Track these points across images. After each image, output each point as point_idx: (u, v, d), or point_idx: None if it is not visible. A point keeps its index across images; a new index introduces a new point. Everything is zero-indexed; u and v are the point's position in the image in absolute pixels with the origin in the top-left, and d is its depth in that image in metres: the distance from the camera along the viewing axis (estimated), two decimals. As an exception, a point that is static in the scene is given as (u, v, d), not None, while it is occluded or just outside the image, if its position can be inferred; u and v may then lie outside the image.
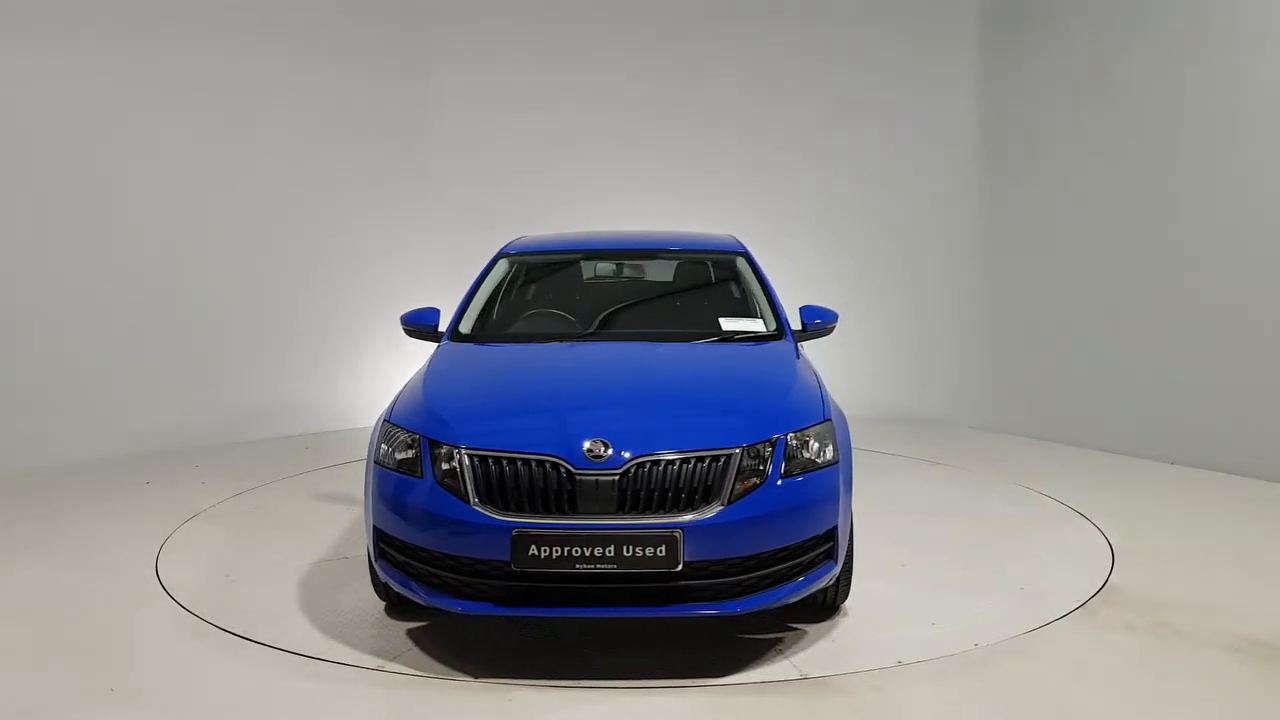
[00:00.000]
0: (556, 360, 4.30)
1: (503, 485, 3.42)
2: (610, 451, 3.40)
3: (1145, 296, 6.87)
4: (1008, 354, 8.00)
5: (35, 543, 5.13)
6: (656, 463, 3.40)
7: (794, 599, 3.57)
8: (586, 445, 3.41)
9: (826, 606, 3.98)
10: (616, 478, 3.37)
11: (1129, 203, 6.95)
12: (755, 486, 3.46)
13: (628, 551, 3.31)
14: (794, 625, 3.91)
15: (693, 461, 3.41)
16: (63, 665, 3.67)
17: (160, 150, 7.25)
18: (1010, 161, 7.94)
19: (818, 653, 3.69)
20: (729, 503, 3.40)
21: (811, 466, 3.61)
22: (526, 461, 3.42)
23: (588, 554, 3.31)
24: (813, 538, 3.56)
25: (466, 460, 3.47)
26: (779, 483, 3.49)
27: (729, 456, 3.44)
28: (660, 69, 8.42)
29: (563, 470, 3.39)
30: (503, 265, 5.23)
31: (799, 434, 3.62)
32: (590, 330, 4.73)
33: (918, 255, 8.29)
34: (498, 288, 5.11)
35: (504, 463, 3.44)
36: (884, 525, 5.36)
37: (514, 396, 3.98)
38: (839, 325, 4.85)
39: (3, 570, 4.70)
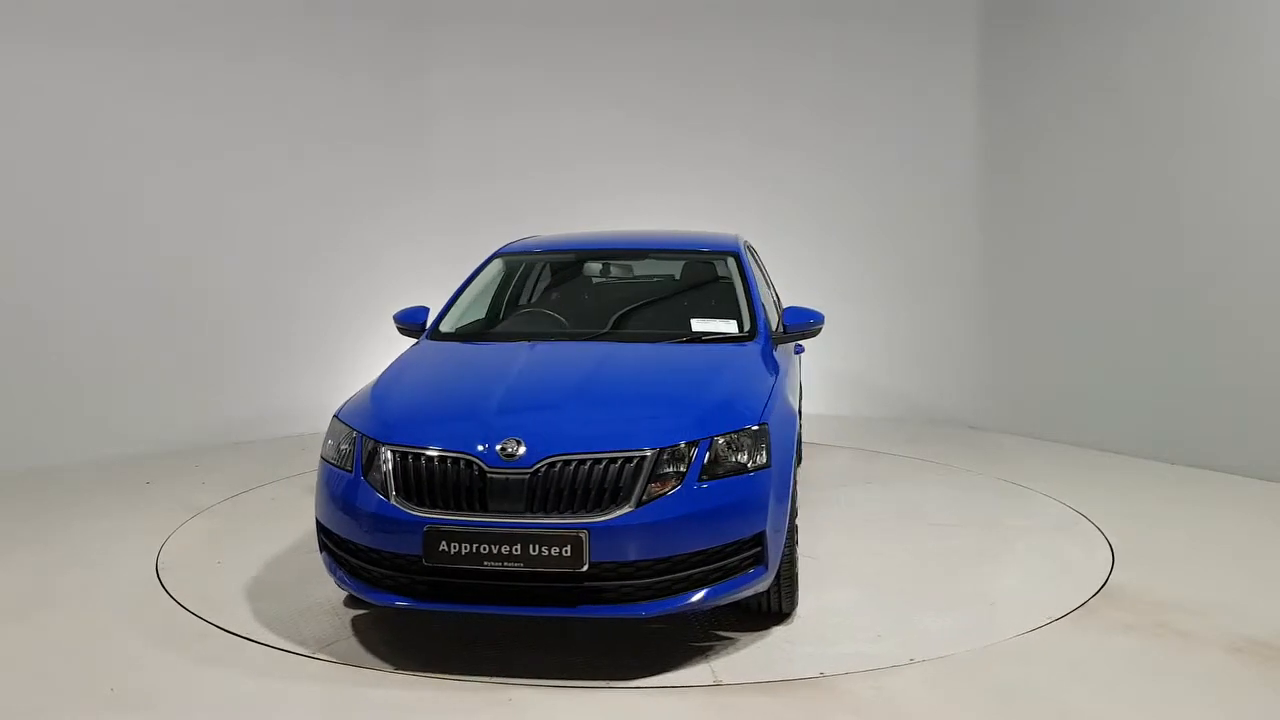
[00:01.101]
0: (511, 360, 4.28)
1: (419, 482, 3.49)
2: (522, 451, 3.44)
3: (1145, 296, 6.86)
4: (1008, 354, 8.00)
5: (35, 542, 5.13)
6: (567, 463, 3.42)
7: (715, 604, 3.55)
8: (500, 444, 3.46)
9: (771, 613, 3.92)
10: (526, 477, 3.41)
11: (1129, 202, 6.95)
12: (671, 489, 3.43)
13: (534, 550, 3.33)
14: (724, 632, 3.85)
15: (604, 463, 3.42)
16: (63, 665, 3.67)
17: (159, 151, 7.25)
18: (1010, 161, 7.94)
19: (741, 659, 3.63)
20: (639, 505, 3.39)
21: (738, 470, 3.56)
22: (443, 459, 3.49)
23: (496, 552, 3.35)
24: (735, 542, 3.51)
25: (389, 456, 3.56)
26: (697, 485, 3.46)
27: (642, 458, 3.43)
28: (660, 69, 8.42)
29: (475, 468, 3.45)
30: (497, 265, 5.34)
31: (726, 437, 3.58)
32: (564, 330, 4.79)
33: (918, 255, 8.29)
34: (486, 288, 5.23)
35: (422, 460, 3.51)
36: (881, 525, 5.37)
37: (451, 395, 4.03)
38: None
39: (2, 570, 4.70)
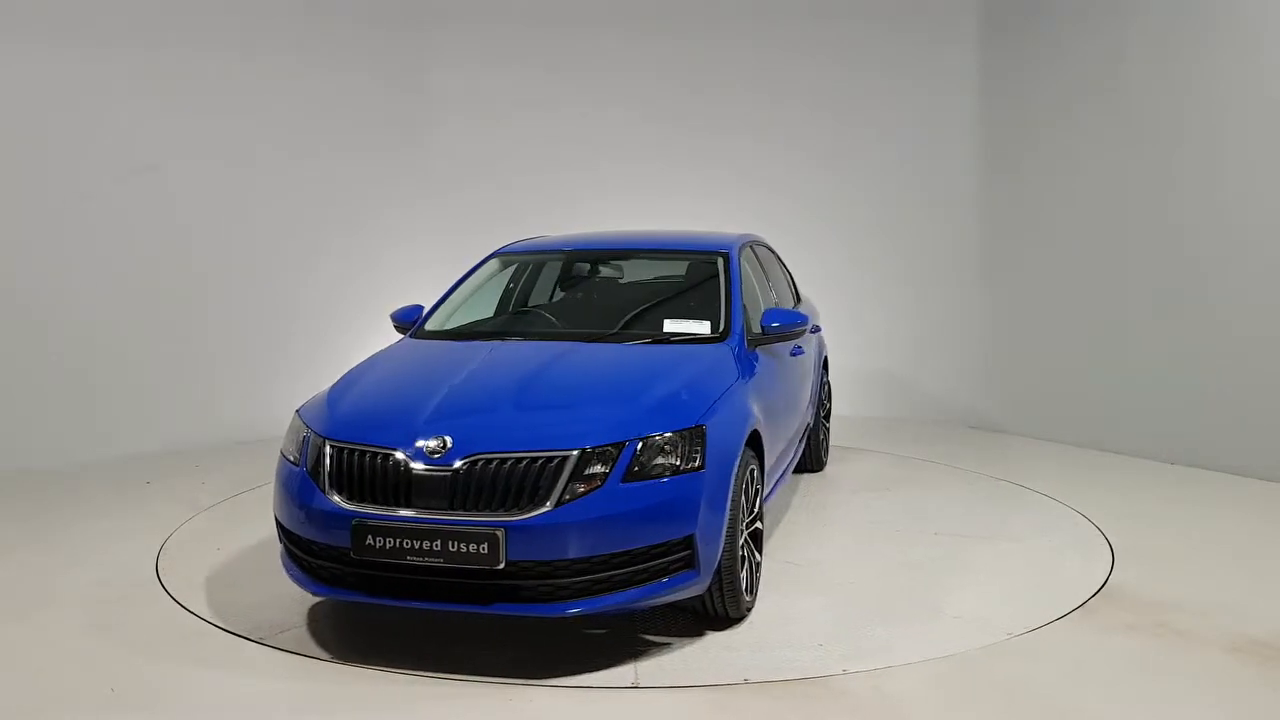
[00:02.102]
0: (467, 360, 4.31)
1: (351, 477, 3.59)
2: (447, 448, 3.50)
3: (1145, 296, 6.86)
4: (1008, 354, 8.00)
5: (35, 542, 5.13)
6: (489, 462, 3.46)
7: (643, 606, 3.57)
8: (427, 443, 3.52)
9: (717, 618, 3.89)
10: (448, 475, 3.46)
11: (1129, 202, 6.95)
12: (591, 489, 3.43)
13: (453, 547, 3.39)
14: (657, 636, 3.84)
15: (524, 462, 3.45)
16: (63, 665, 3.67)
17: (160, 152, 7.24)
18: (1010, 161, 7.94)
19: (665, 661, 3.62)
20: (558, 505, 3.40)
21: (667, 472, 3.54)
22: (374, 455, 3.58)
23: (418, 547, 3.42)
24: (662, 544, 3.50)
25: (328, 451, 3.68)
26: (619, 486, 3.46)
27: (563, 458, 3.45)
28: (660, 70, 8.41)
29: (402, 465, 3.51)
30: (491, 265, 5.42)
31: (655, 438, 3.57)
32: (539, 330, 4.86)
33: (918, 254, 8.29)
34: (479, 288, 5.29)
35: (355, 455, 3.62)
36: (875, 528, 5.36)
37: (397, 394, 4.06)
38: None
39: (2, 570, 4.70)
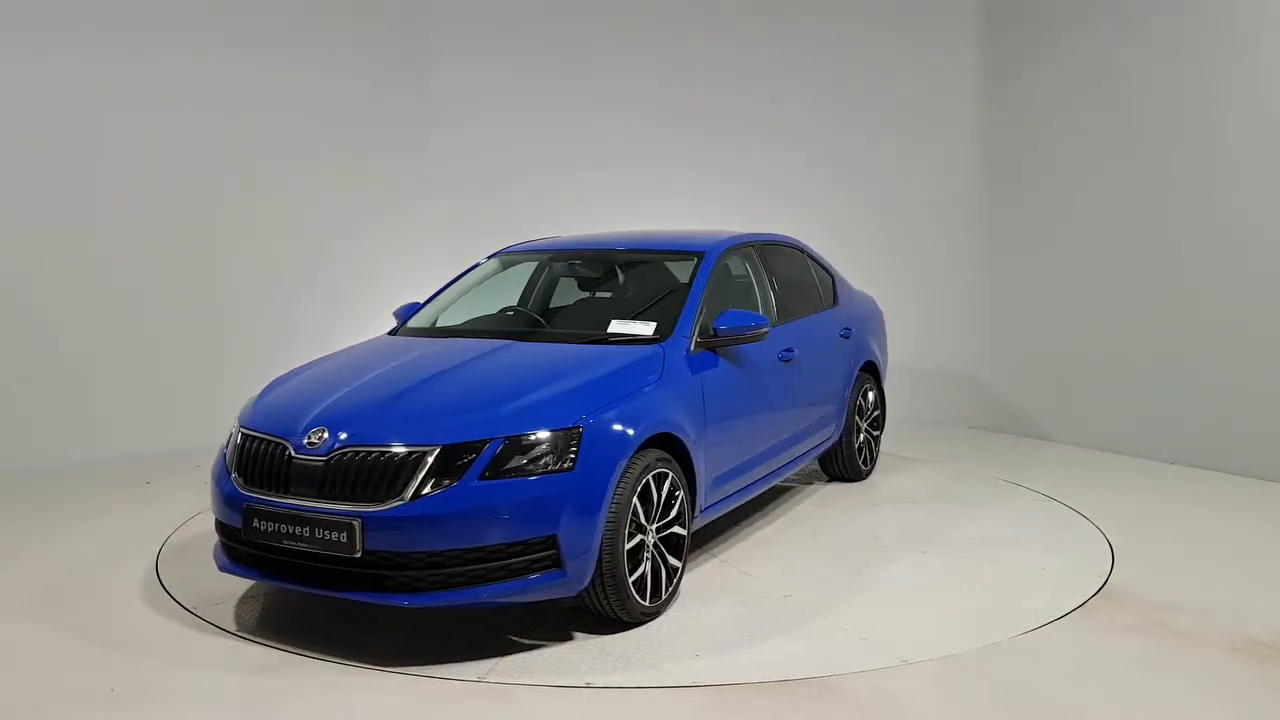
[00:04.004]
0: (400, 356, 4.46)
1: (246, 462, 3.87)
2: (324, 440, 3.69)
3: (1145, 296, 6.86)
4: (1007, 354, 8.00)
5: (35, 542, 5.13)
6: (356, 453, 3.62)
7: (504, 601, 3.62)
8: (308, 433, 3.73)
9: (610, 620, 3.87)
10: (320, 465, 3.64)
11: (1129, 202, 6.95)
12: (448, 485, 3.52)
13: (319, 534, 3.57)
14: (514, 636, 3.86)
15: (387, 455, 3.58)
16: (63, 665, 3.67)
17: (161, 154, 7.25)
18: (1010, 161, 7.94)
19: (523, 660, 3.64)
20: (414, 498, 3.51)
21: (531, 471, 3.59)
22: (266, 443, 3.84)
23: (291, 532, 3.63)
24: (521, 542, 3.54)
25: (237, 438, 4.00)
26: (476, 483, 3.53)
27: (423, 453, 3.56)
28: (660, 71, 8.41)
29: (286, 453, 3.74)
30: (491, 265, 5.56)
31: (522, 438, 3.62)
32: (499, 329, 4.96)
33: (918, 254, 8.29)
34: (470, 287, 5.42)
35: (253, 442, 3.90)
36: (865, 532, 5.35)
37: (317, 386, 4.20)
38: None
39: (2, 570, 4.70)
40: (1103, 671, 3.55)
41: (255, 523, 3.72)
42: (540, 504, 3.56)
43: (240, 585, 4.42)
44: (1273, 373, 6.09)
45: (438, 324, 5.13)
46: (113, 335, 7.12)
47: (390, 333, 5.12)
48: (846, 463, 6.09)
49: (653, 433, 3.96)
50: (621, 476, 3.77)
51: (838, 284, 6.27)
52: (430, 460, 3.55)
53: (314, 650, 3.74)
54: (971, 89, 8.12)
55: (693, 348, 4.47)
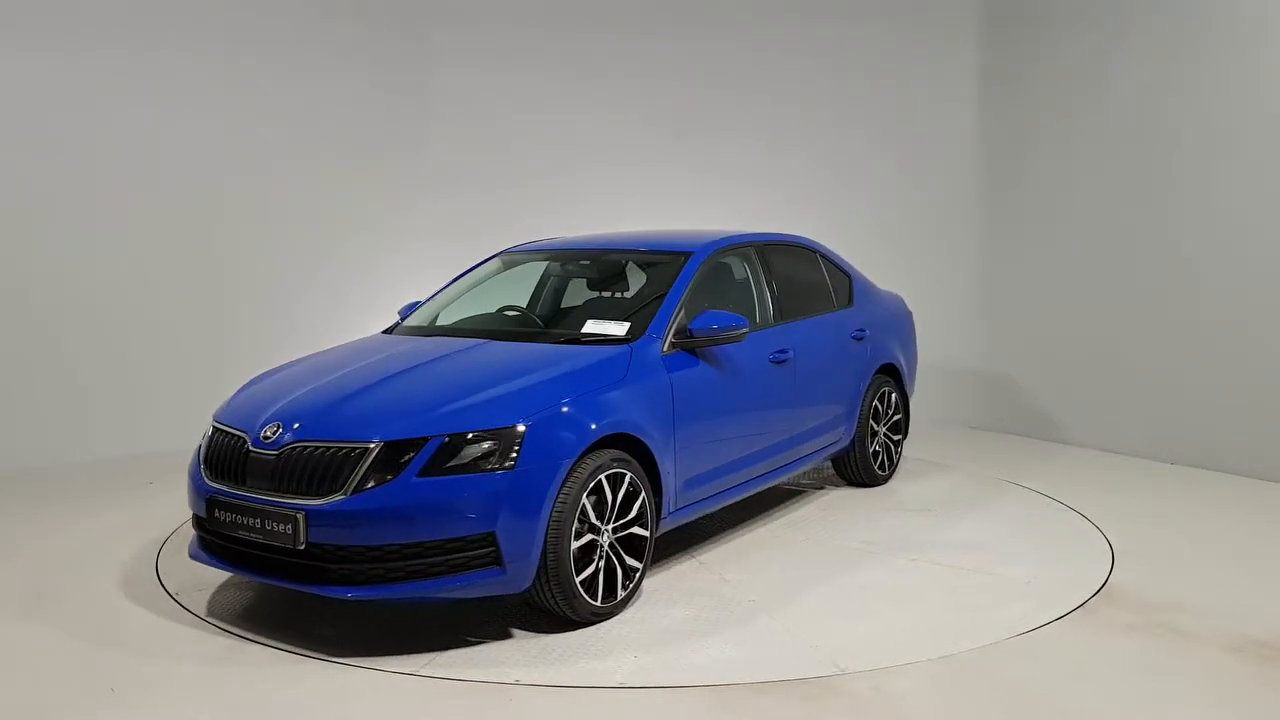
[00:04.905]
0: (375, 354, 4.55)
1: (214, 455, 4.03)
2: (278, 434, 3.82)
3: (1145, 296, 6.87)
4: (1007, 354, 8.00)
5: (35, 542, 5.13)
6: (304, 449, 3.73)
7: (444, 596, 3.69)
8: (264, 428, 3.87)
9: (562, 619, 3.87)
10: (273, 458, 3.77)
11: (1129, 202, 6.95)
12: (386, 481, 3.59)
13: (268, 526, 3.70)
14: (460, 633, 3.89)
15: (331, 451, 3.68)
16: (63, 665, 3.68)
17: (161, 154, 7.24)
18: (1010, 161, 7.94)
19: (453, 657, 3.67)
20: (354, 493, 3.59)
21: (471, 469, 3.63)
22: (230, 436, 4.00)
23: (245, 523, 3.78)
24: (459, 539, 3.59)
25: (209, 431, 4.17)
26: (415, 480, 3.59)
27: (365, 449, 3.64)
28: (660, 72, 8.40)
29: (244, 447, 3.88)
30: (494, 265, 5.60)
31: (463, 436, 3.67)
32: (482, 328, 5.00)
33: (917, 255, 8.29)
34: (471, 287, 5.47)
35: (220, 436, 4.06)
36: (870, 531, 5.35)
37: (287, 382, 4.32)
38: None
39: (2, 570, 4.70)
40: (1103, 671, 3.55)
41: (216, 513, 3.88)
42: (478, 502, 3.61)
43: (240, 585, 4.42)
44: (1273, 373, 6.09)
45: (428, 323, 5.19)
46: (113, 335, 7.12)
47: (385, 331, 5.20)
48: (860, 467, 5.95)
49: (607, 433, 3.96)
50: (568, 476, 3.79)
51: (855, 285, 6.16)
52: (371, 456, 3.63)
53: (313, 650, 3.74)
54: (971, 89, 8.12)
55: (666, 348, 4.46)
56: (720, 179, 8.40)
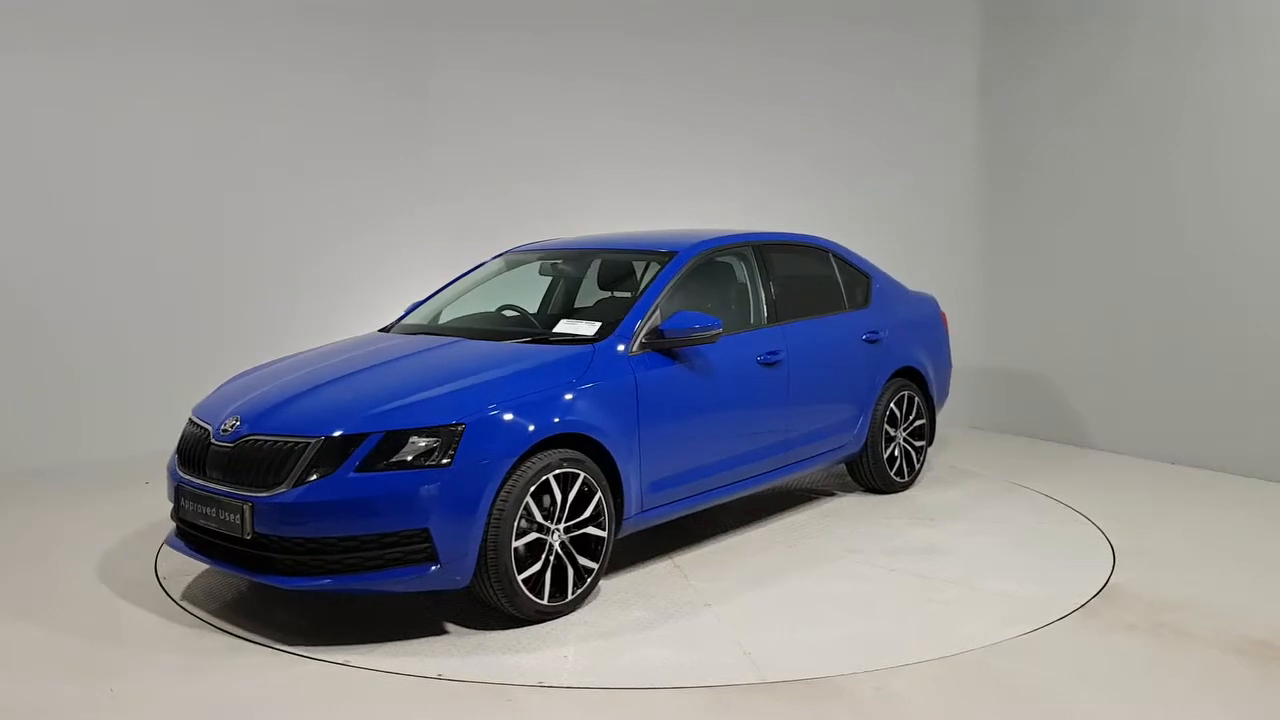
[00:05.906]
0: (350, 352, 4.67)
1: (184, 446, 4.21)
2: (235, 428, 3.96)
3: (1145, 296, 6.87)
4: (1007, 354, 8.00)
5: (34, 542, 5.13)
6: (255, 442, 3.87)
7: (380, 589, 3.76)
8: (225, 421, 4.01)
9: (508, 616, 3.91)
10: (228, 450, 3.92)
11: (1129, 203, 6.95)
12: (325, 475, 3.69)
13: (220, 515, 3.87)
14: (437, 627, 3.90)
15: (278, 445, 3.81)
16: (63, 665, 3.67)
17: (160, 154, 7.23)
18: (1010, 161, 7.94)
19: (389, 648, 3.74)
20: (295, 486, 3.71)
21: (408, 466, 3.70)
22: (198, 428, 4.18)
23: (204, 512, 3.95)
24: (394, 534, 3.67)
25: (185, 424, 4.34)
26: (351, 474, 3.68)
27: (307, 444, 3.76)
28: (660, 73, 8.40)
29: (207, 440, 4.05)
30: (495, 265, 5.65)
31: (402, 432, 3.74)
32: (463, 327, 5.06)
33: (917, 255, 8.27)
34: (471, 287, 5.52)
35: (189, 427, 4.26)
36: (863, 539, 5.34)
37: (260, 379, 4.45)
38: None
39: (2, 570, 4.70)
40: (1103, 671, 3.55)
41: (183, 501, 4.08)
42: (412, 498, 3.67)
43: (240, 585, 4.42)
44: (1273, 373, 6.09)
45: (427, 321, 5.25)
46: (111, 336, 7.12)
47: (382, 329, 5.29)
48: (874, 473, 5.77)
49: (556, 432, 3.97)
50: (509, 474, 3.81)
51: (875, 286, 6.00)
52: (312, 451, 3.73)
53: (317, 650, 3.74)
54: (971, 90, 8.12)
55: (635, 349, 4.43)
56: (720, 179, 8.39)
